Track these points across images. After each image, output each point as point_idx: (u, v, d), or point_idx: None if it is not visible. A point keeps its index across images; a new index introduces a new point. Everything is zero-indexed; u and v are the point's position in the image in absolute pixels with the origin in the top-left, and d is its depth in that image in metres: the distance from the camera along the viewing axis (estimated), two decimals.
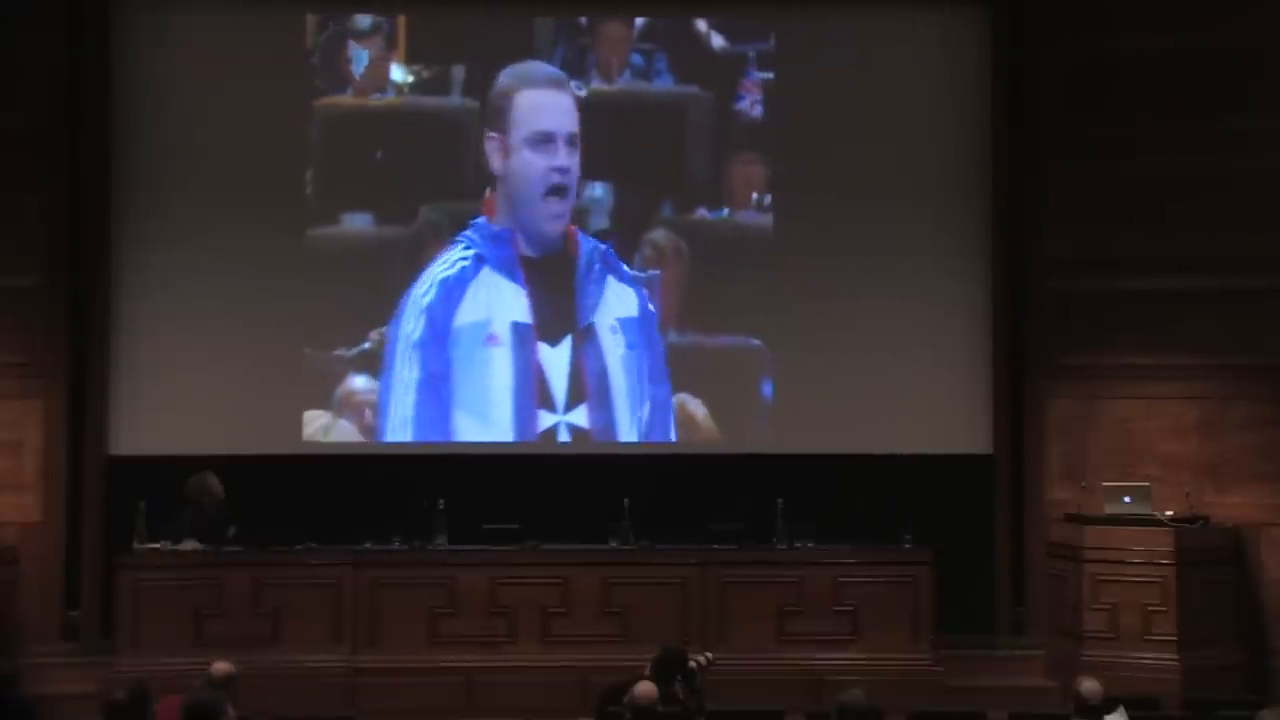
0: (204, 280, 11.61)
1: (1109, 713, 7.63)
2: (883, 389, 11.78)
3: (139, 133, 11.68)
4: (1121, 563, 10.60)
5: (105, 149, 11.61)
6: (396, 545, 10.70)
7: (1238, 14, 11.21)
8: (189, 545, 10.55)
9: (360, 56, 11.56)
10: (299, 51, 11.70)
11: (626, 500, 10.73)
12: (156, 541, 10.50)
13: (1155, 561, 10.52)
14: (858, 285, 11.83)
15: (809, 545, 10.75)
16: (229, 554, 10.56)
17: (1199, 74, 11.25)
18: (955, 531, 11.18)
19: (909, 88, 11.94)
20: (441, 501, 10.68)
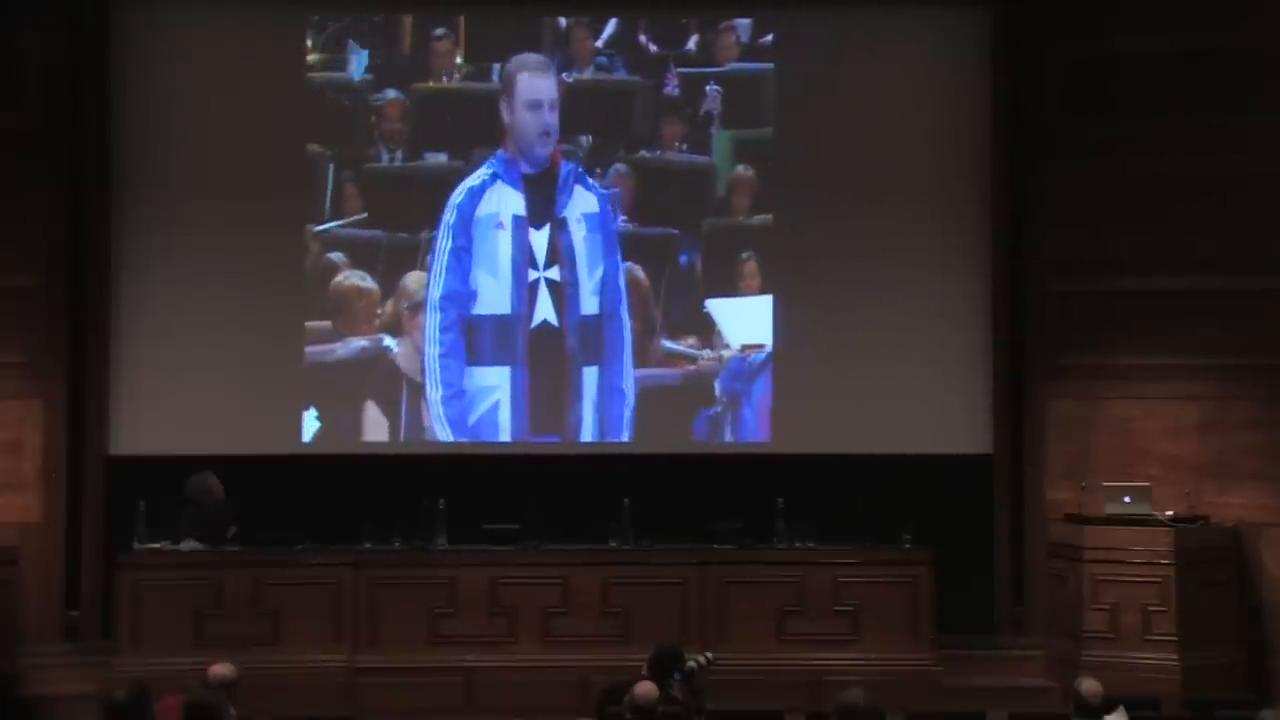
0: (204, 280, 11.62)
1: (1109, 713, 7.64)
2: (883, 389, 11.78)
3: (139, 132, 11.68)
4: (1121, 563, 10.60)
5: (105, 149, 11.61)
6: (396, 545, 10.71)
7: (1237, 15, 11.21)
8: (189, 545, 10.55)
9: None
10: (299, 50, 11.78)
11: (626, 500, 10.76)
12: (156, 541, 10.50)
13: (1155, 561, 10.52)
14: (857, 285, 11.84)
15: (809, 545, 10.75)
16: (229, 554, 10.57)
17: (1199, 74, 11.25)
18: (955, 531, 11.17)
19: (909, 88, 11.94)
20: (441, 501, 10.71)
